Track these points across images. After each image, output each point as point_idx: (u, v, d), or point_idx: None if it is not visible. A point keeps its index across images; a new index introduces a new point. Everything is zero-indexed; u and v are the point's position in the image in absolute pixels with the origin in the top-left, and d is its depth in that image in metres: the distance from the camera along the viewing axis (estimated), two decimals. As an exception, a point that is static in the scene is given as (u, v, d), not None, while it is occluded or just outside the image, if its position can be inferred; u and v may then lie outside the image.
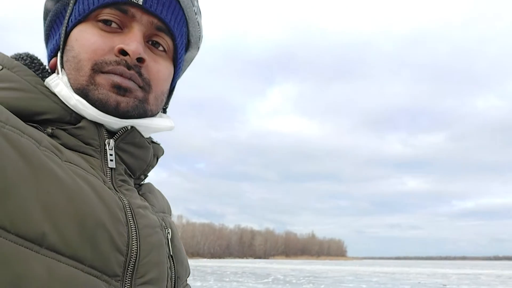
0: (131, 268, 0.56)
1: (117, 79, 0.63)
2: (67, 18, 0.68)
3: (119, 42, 0.65)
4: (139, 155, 0.69)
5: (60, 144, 0.60)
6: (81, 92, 0.63)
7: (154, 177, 0.81)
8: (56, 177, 0.52)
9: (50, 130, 0.62)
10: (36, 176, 0.51)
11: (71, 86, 0.64)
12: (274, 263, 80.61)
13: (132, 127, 0.67)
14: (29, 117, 0.61)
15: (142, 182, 0.75)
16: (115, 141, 0.65)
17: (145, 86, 0.66)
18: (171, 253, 0.67)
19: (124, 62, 0.64)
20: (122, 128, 0.66)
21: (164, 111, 0.79)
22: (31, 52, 0.71)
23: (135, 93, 0.65)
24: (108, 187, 0.60)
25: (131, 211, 0.60)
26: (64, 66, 0.66)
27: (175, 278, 0.67)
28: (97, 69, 0.63)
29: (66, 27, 0.68)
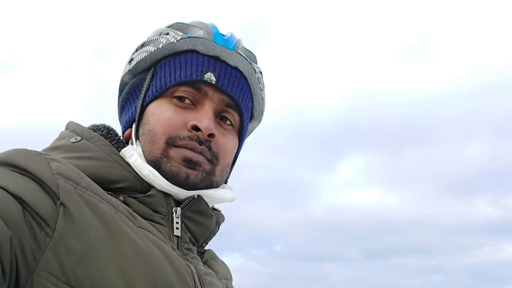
0: None
1: (189, 154, 0.68)
2: (143, 92, 0.74)
3: (192, 118, 0.69)
4: (204, 223, 0.72)
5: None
6: (154, 163, 0.68)
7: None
8: (132, 241, 0.56)
9: (122, 198, 0.66)
10: (114, 240, 0.54)
11: (145, 157, 0.69)
12: None
13: (198, 196, 0.70)
14: (105, 185, 0.65)
15: (203, 250, 0.78)
16: (181, 209, 0.68)
17: (213, 159, 0.71)
18: None
19: (196, 137, 0.68)
20: (188, 198, 0.69)
21: (225, 181, 0.81)
22: (107, 124, 0.76)
23: (204, 166, 0.69)
24: (177, 253, 0.63)
25: (199, 278, 0.62)
26: (140, 138, 0.72)
27: None
28: (171, 142, 0.68)
29: (143, 101, 0.73)
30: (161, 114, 0.70)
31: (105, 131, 0.73)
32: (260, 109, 0.82)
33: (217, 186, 0.73)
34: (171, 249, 0.61)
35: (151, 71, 0.75)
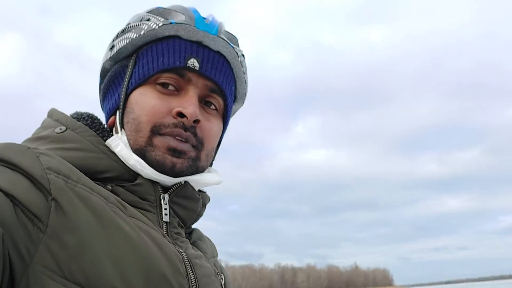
0: None
1: (173, 143, 0.68)
2: (126, 80, 0.72)
3: (176, 104, 0.69)
4: (191, 207, 0.73)
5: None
6: (140, 152, 0.68)
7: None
8: (124, 232, 0.56)
9: (110, 187, 0.66)
10: (106, 233, 0.55)
11: (130, 146, 0.69)
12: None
13: (185, 182, 0.71)
14: (92, 175, 0.64)
15: (191, 230, 0.79)
16: (169, 196, 0.69)
17: (198, 145, 0.71)
18: None
19: (181, 124, 0.68)
20: (175, 184, 0.70)
21: (211, 164, 0.81)
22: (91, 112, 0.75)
23: (189, 154, 0.69)
24: (167, 240, 0.64)
25: (189, 263, 0.63)
26: (125, 127, 0.71)
27: None
28: (156, 131, 0.68)
29: (126, 89, 0.72)
30: (145, 102, 0.69)
31: (90, 121, 0.72)
32: (243, 92, 0.83)
33: (202, 171, 0.74)
34: (161, 237, 0.62)
35: (133, 57, 0.74)
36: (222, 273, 0.73)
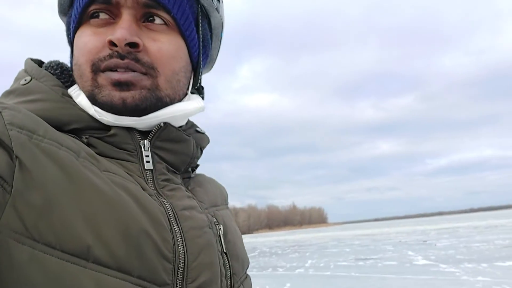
0: (180, 274, 0.54)
1: (115, 76, 0.59)
2: (71, 28, 0.66)
3: (110, 34, 0.60)
4: (179, 149, 0.66)
5: (96, 153, 0.59)
6: (91, 98, 0.61)
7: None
8: (96, 188, 0.52)
9: (85, 139, 0.60)
10: (76, 189, 0.50)
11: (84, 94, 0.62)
12: (259, 237, 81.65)
13: (165, 123, 0.63)
14: (60, 128, 0.59)
15: (192, 175, 0.72)
16: (150, 141, 0.62)
17: (150, 71, 0.61)
18: (225, 250, 0.64)
19: (116, 53, 0.59)
20: (155, 126, 0.63)
21: (199, 90, 0.71)
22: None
23: (141, 83, 0.60)
24: (148, 192, 0.58)
25: (174, 215, 0.58)
26: (74, 76, 0.64)
27: (230, 275, 0.64)
28: (96, 69, 0.60)
29: (69, 37, 0.66)
30: (81, 42, 0.62)
31: (59, 70, 0.66)
32: None
33: (171, 101, 0.64)
34: (140, 190, 0.57)
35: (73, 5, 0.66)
36: (221, 223, 0.66)
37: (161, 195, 0.59)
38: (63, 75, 0.65)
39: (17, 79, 0.65)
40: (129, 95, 0.59)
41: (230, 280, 0.63)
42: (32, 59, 0.67)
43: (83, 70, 0.61)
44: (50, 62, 0.67)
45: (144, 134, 0.63)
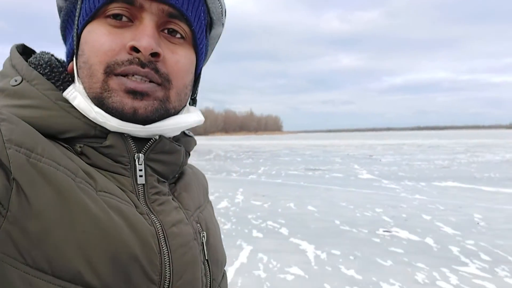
0: None
1: (131, 84, 0.58)
2: (77, 19, 0.62)
3: (130, 37, 0.58)
4: (171, 161, 0.66)
5: (89, 163, 0.58)
6: (97, 100, 0.59)
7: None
8: (90, 214, 0.52)
9: (79, 149, 0.59)
10: (71, 216, 0.51)
11: (87, 95, 0.60)
12: (215, 140, 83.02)
13: (160, 136, 0.63)
14: (54, 137, 0.58)
15: (177, 177, 0.72)
16: (144, 154, 0.62)
17: (164, 82, 0.60)
18: (207, 258, 0.66)
19: (137, 60, 0.58)
20: (150, 139, 0.62)
21: (194, 101, 0.72)
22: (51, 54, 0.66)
23: (155, 95, 0.59)
24: (140, 211, 0.58)
25: (163, 235, 0.58)
26: (79, 73, 0.61)
27: (210, 281, 0.66)
28: (110, 72, 0.58)
29: (77, 29, 0.62)
30: (95, 41, 0.59)
31: (48, 69, 0.63)
32: (218, 11, 0.68)
33: (176, 113, 0.64)
34: (133, 211, 0.57)
35: None
36: (205, 230, 0.67)
37: (152, 212, 0.60)
38: (53, 74, 0.63)
39: (4, 75, 0.62)
40: (141, 105, 0.58)
41: (210, 286, 0.65)
42: (17, 48, 0.65)
43: (94, 70, 0.59)
44: (38, 60, 0.64)
45: (137, 141, 0.62)
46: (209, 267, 0.65)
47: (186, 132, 0.72)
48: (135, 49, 0.58)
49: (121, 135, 0.60)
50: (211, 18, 0.68)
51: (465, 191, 10.60)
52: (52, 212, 0.50)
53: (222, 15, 0.69)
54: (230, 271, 4.69)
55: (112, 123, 0.59)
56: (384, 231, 6.62)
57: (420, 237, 6.21)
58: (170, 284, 0.57)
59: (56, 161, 0.53)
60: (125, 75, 0.58)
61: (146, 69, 0.58)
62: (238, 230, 6.79)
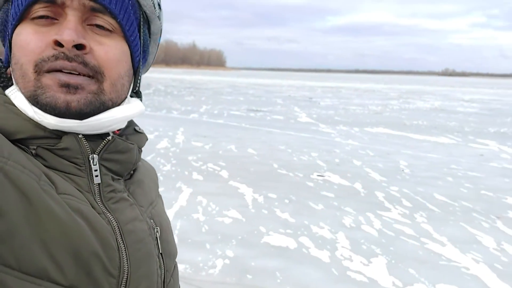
0: (123, 286, 0.60)
1: (65, 78, 0.58)
2: (10, 25, 0.63)
3: (54, 34, 0.59)
4: (124, 159, 0.67)
5: (45, 165, 0.60)
6: (32, 99, 0.60)
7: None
8: (54, 214, 0.55)
9: (33, 151, 0.60)
10: (36, 215, 0.53)
11: (23, 95, 0.61)
12: (155, 72, 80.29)
13: (113, 137, 0.65)
14: (7, 139, 0.59)
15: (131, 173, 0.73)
16: (98, 154, 0.63)
17: (97, 75, 0.61)
18: (161, 251, 0.69)
19: (62, 54, 0.58)
20: (103, 139, 0.64)
21: (137, 94, 0.72)
22: None
23: (88, 88, 0.60)
24: (97, 211, 0.61)
25: (120, 232, 0.62)
26: (14, 75, 0.63)
27: (164, 273, 0.69)
28: (39, 69, 0.59)
29: (8, 34, 0.64)
30: (22, 40, 0.60)
31: None
32: (149, 4, 0.68)
33: (113, 105, 0.64)
34: (91, 211, 0.60)
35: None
36: (158, 226, 0.70)
37: (108, 211, 0.63)
38: (1, 78, 0.64)
39: None
40: (74, 99, 0.59)
41: (163, 278, 0.70)
42: None
43: (25, 70, 0.59)
44: None
45: (91, 141, 0.64)
46: (163, 260, 0.69)
47: (137, 128, 0.73)
48: (59, 44, 0.58)
49: (75, 136, 0.62)
50: (145, 13, 0.69)
51: (394, 138, 11.34)
52: (17, 213, 0.53)
53: (155, 8, 0.69)
54: (169, 214, 4.79)
55: (49, 120, 0.59)
56: (318, 175, 7.00)
57: (350, 182, 6.65)
58: (128, 278, 0.61)
59: (21, 164, 0.55)
60: (54, 71, 0.59)
61: (73, 63, 0.58)
62: (178, 172, 6.85)
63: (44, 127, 0.60)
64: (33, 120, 0.60)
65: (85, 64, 0.59)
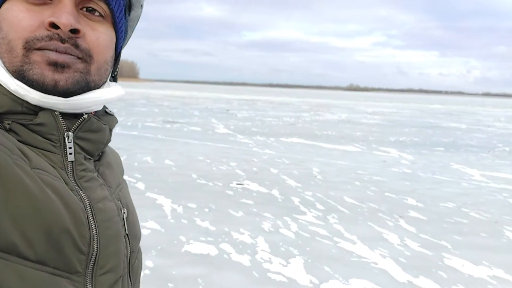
0: (91, 263, 0.61)
1: (53, 56, 0.59)
2: None
3: (49, 15, 0.60)
4: (97, 139, 0.68)
5: (19, 140, 0.60)
6: (18, 74, 0.60)
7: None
8: (26, 189, 0.54)
9: (7, 125, 0.60)
10: (6, 191, 0.53)
11: (7, 70, 0.61)
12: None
13: (88, 116, 0.65)
14: None
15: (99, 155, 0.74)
16: (73, 133, 0.64)
17: (85, 57, 0.62)
18: (127, 232, 0.70)
19: (57, 36, 0.59)
20: (79, 118, 0.65)
21: (115, 79, 0.75)
22: None
23: (75, 66, 0.61)
24: (70, 187, 0.61)
25: (91, 210, 0.62)
26: None
27: (129, 254, 0.70)
28: (30, 46, 0.59)
29: None
30: (13, 16, 0.60)
31: None
32: None
33: (96, 87, 0.66)
34: (64, 187, 0.60)
35: None
36: (125, 207, 0.72)
37: (80, 188, 0.63)
38: None
39: None
40: (62, 78, 0.60)
41: (129, 258, 0.71)
42: None
43: (13, 45, 0.59)
44: None
45: (67, 119, 0.64)
46: (129, 241, 0.71)
47: (108, 110, 0.74)
48: (54, 26, 0.59)
49: (52, 113, 0.62)
50: (129, 1, 0.71)
51: (307, 147, 11.90)
52: None
53: None
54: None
55: (33, 95, 0.59)
56: (237, 184, 7.10)
57: (268, 189, 6.85)
58: (97, 255, 0.62)
59: None
60: (45, 49, 0.59)
61: (66, 45, 0.60)
62: (90, 185, 6.49)
63: (22, 102, 0.60)
64: (10, 95, 0.60)
65: (76, 46, 0.61)
